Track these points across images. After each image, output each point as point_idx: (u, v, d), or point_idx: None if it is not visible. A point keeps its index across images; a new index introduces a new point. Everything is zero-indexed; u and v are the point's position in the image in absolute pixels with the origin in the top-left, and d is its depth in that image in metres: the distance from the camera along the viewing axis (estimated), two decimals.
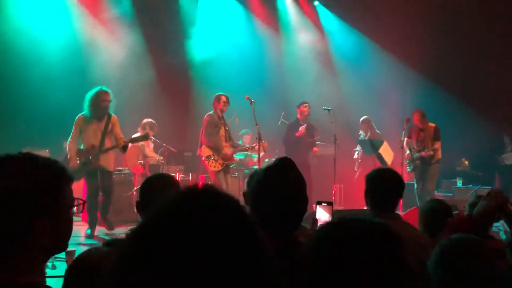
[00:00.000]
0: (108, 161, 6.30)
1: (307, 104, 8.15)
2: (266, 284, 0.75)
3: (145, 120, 8.04)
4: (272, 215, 1.73)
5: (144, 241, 0.74)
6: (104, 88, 6.20)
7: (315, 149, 8.15)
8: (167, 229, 0.73)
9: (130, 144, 6.42)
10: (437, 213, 3.10)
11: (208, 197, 0.78)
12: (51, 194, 1.26)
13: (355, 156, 9.01)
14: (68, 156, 6.13)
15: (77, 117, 6.17)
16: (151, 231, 0.75)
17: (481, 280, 1.31)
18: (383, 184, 2.58)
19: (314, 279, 1.00)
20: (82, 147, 6.21)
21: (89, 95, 6.13)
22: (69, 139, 6.18)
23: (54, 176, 1.29)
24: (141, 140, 6.87)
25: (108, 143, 6.22)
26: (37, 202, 1.23)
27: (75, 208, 1.37)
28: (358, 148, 8.97)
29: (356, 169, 8.97)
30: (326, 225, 1.07)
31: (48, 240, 1.25)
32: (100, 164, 6.17)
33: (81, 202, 1.42)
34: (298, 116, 8.20)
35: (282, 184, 1.76)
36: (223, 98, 7.01)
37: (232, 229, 0.74)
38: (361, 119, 8.83)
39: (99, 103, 6.07)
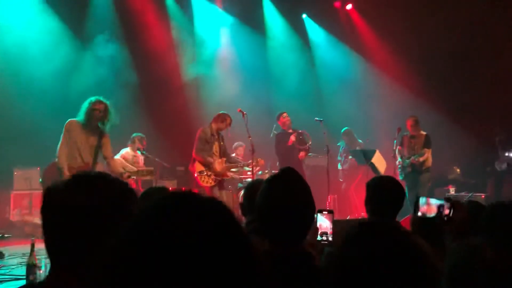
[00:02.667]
0: None
1: (285, 114, 8.03)
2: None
3: (135, 134, 8.01)
4: (280, 226, 1.72)
5: (127, 248, 0.73)
6: (100, 98, 5.88)
7: (301, 154, 7.96)
8: (149, 236, 0.72)
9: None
10: (426, 220, 3.10)
11: (191, 202, 0.77)
12: (126, 211, 1.26)
13: (340, 167, 9.04)
14: (61, 167, 5.69)
15: (67, 121, 5.81)
16: (135, 239, 0.74)
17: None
18: (385, 192, 2.58)
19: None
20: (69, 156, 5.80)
21: (84, 103, 5.84)
22: (58, 145, 5.74)
23: (129, 195, 1.32)
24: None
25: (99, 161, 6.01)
26: (116, 219, 1.21)
27: None
28: (340, 158, 9.02)
29: (340, 179, 9.01)
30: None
31: None
32: None
33: None
34: (282, 127, 8.11)
35: (289, 195, 1.75)
36: (228, 120, 6.95)
37: (217, 235, 0.73)
38: (342, 131, 8.91)
39: (90, 112, 5.75)
